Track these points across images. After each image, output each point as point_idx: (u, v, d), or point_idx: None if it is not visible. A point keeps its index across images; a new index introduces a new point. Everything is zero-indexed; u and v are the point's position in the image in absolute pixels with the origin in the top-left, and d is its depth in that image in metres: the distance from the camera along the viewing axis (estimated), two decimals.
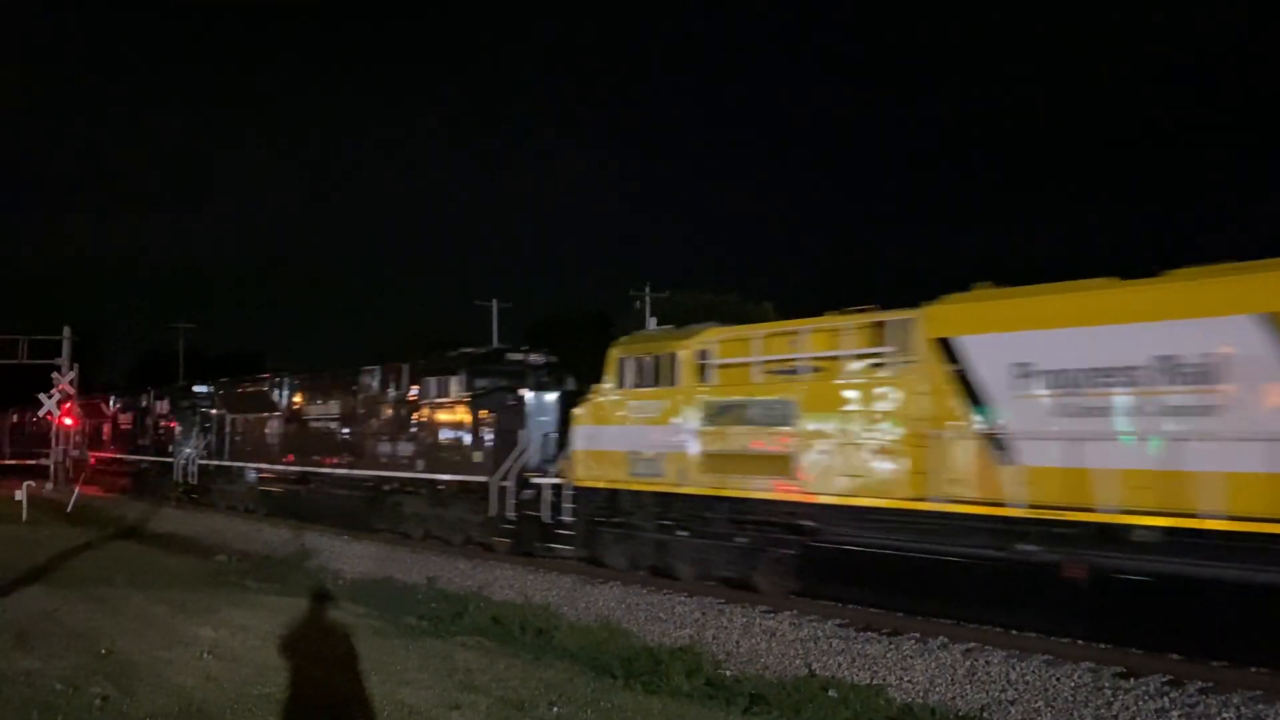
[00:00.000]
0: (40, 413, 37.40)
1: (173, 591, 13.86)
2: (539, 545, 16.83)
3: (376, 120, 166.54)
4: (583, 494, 15.75)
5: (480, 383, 18.68)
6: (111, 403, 39.38)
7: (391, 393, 21.14)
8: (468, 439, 18.50)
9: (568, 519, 16.00)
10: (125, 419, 37.45)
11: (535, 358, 19.39)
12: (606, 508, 15.41)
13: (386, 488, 21.08)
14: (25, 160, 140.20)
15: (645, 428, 14.63)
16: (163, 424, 33.74)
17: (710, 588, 13.94)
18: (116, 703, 7.86)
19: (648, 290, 50.47)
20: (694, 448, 13.92)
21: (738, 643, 11.73)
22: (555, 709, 8.15)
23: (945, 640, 10.84)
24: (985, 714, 9.14)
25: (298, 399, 25.75)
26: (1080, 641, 10.40)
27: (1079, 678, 9.40)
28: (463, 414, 18.75)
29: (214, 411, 30.08)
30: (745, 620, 12.29)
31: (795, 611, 12.44)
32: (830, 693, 9.72)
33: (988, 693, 9.47)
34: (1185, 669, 9.42)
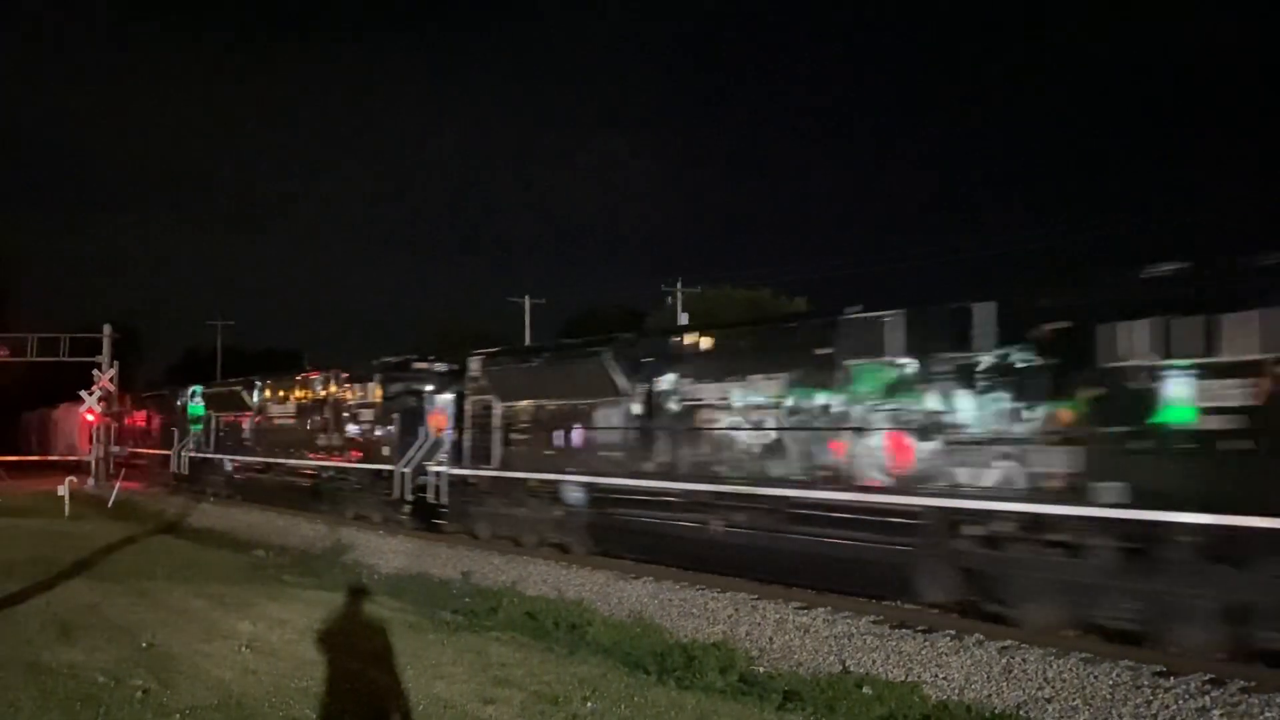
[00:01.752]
0: (81, 410, 38.08)
1: (212, 586, 14.05)
2: None
3: (397, 122, 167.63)
4: None
5: None
6: (255, 391, 30.16)
7: (953, 353, 11.72)
8: None
9: None
10: (283, 412, 28.44)
11: None
12: None
13: (967, 529, 11.46)
14: (60, 161, 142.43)
15: None
16: (367, 418, 24.09)
17: (742, 583, 13.88)
18: (157, 695, 7.99)
19: (679, 286, 50.47)
20: None
21: (771, 639, 11.71)
22: (589, 704, 8.16)
23: (981, 637, 10.76)
24: (1021, 712, 9.04)
25: (666, 375, 15.89)
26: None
27: (1117, 676, 9.29)
28: None
29: (472, 400, 20.15)
30: (779, 616, 12.26)
31: (829, 608, 12.40)
32: (864, 690, 9.67)
33: (1024, 690, 9.38)
34: (1227, 668, 9.28)
